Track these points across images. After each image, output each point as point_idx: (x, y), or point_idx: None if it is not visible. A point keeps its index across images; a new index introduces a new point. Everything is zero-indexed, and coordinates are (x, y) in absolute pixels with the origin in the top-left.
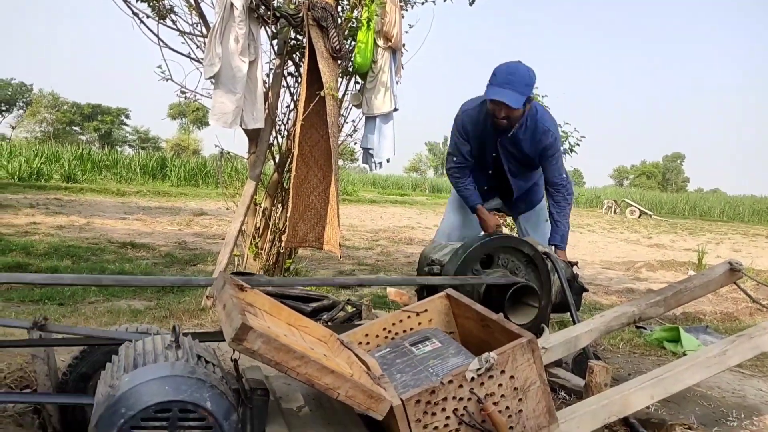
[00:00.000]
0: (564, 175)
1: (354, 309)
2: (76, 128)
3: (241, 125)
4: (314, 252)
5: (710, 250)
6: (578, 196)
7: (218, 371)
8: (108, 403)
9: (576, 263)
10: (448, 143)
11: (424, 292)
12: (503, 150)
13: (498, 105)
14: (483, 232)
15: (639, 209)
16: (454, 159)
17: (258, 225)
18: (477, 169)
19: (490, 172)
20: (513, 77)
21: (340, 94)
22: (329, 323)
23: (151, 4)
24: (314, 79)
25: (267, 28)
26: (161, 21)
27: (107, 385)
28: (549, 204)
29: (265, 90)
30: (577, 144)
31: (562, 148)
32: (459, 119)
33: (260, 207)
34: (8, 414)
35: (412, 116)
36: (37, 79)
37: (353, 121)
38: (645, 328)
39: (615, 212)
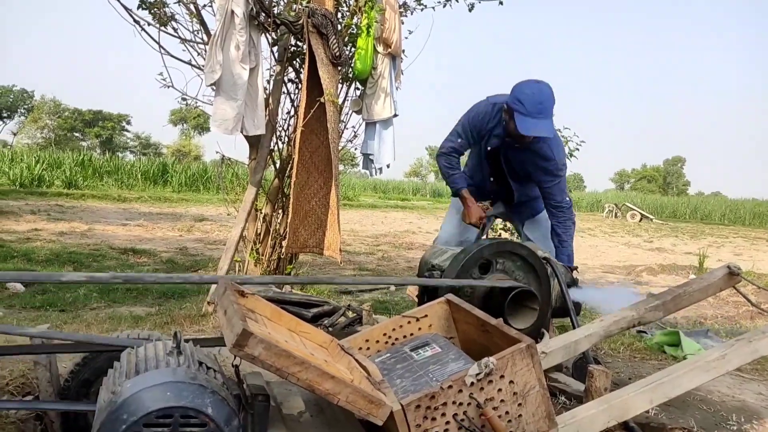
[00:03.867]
0: (567, 198)
1: (354, 314)
2: (77, 134)
3: (241, 131)
4: (315, 257)
5: (711, 253)
6: (579, 200)
7: (219, 377)
8: (110, 409)
9: (576, 268)
10: (463, 121)
11: (425, 297)
12: (504, 154)
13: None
14: (467, 221)
15: (640, 213)
16: (459, 141)
17: (259, 231)
18: (477, 169)
19: (491, 177)
20: (543, 106)
21: (340, 100)
22: (330, 329)
23: (153, 11)
24: (314, 86)
25: (267, 35)
26: (162, 28)
27: (109, 391)
28: (553, 224)
29: (265, 96)
30: (577, 149)
31: (571, 205)
32: (484, 113)
33: (261, 213)
34: (10, 421)
35: (412, 121)
36: (38, 86)
37: (353, 126)
38: (646, 333)
39: (616, 216)
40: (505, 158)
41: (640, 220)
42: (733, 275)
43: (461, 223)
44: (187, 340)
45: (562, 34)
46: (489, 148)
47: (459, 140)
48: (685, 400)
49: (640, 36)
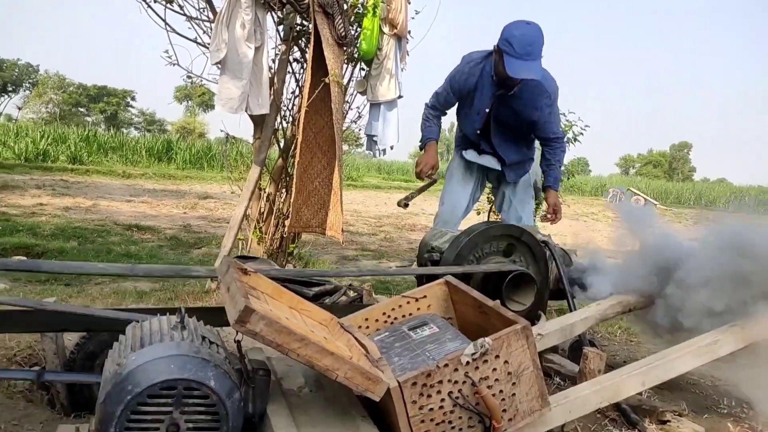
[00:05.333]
0: (560, 131)
1: (355, 294)
2: (82, 109)
3: (246, 110)
4: (317, 237)
5: None
6: (583, 184)
7: (222, 351)
8: (115, 381)
9: (576, 252)
10: (444, 82)
11: (424, 278)
12: (496, 110)
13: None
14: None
15: (644, 198)
16: (440, 102)
17: (262, 210)
18: (468, 126)
19: (478, 131)
20: (532, 47)
21: (345, 81)
22: (330, 307)
23: None
24: (319, 66)
25: (273, 13)
26: (168, 5)
27: (115, 363)
28: (544, 151)
29: (270, 76)
30: (581, 133)
31: (565, 137)
32: (461, 73)
33: (265, 192)
34: (18, 390)
35: (417, 103)
36: (43, 60)
37: (358, 107)
38: None
39: (620, 201)
40: (496, 117)
41: (644, 205)
42: None
43: (463, 189)
44: (190, 315)
45: (573, 17)
46: (481, 104)
47: (442, 100)
48: (677, 383)
49: (649, 20)
